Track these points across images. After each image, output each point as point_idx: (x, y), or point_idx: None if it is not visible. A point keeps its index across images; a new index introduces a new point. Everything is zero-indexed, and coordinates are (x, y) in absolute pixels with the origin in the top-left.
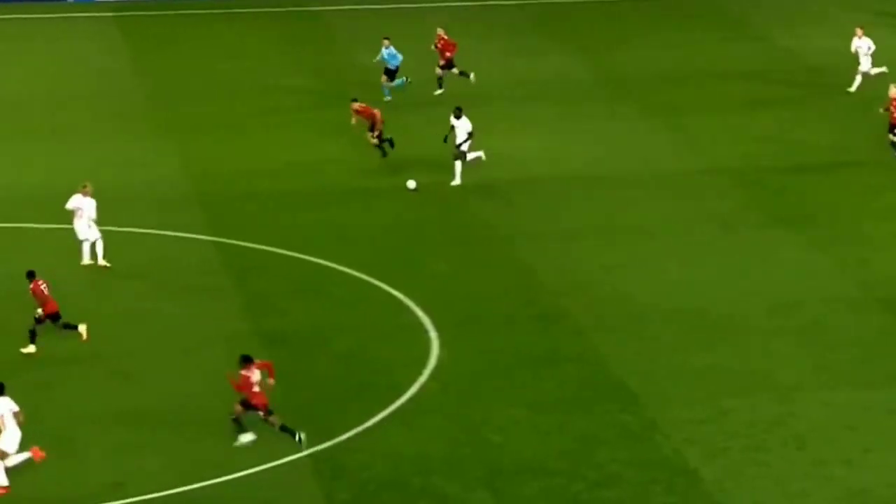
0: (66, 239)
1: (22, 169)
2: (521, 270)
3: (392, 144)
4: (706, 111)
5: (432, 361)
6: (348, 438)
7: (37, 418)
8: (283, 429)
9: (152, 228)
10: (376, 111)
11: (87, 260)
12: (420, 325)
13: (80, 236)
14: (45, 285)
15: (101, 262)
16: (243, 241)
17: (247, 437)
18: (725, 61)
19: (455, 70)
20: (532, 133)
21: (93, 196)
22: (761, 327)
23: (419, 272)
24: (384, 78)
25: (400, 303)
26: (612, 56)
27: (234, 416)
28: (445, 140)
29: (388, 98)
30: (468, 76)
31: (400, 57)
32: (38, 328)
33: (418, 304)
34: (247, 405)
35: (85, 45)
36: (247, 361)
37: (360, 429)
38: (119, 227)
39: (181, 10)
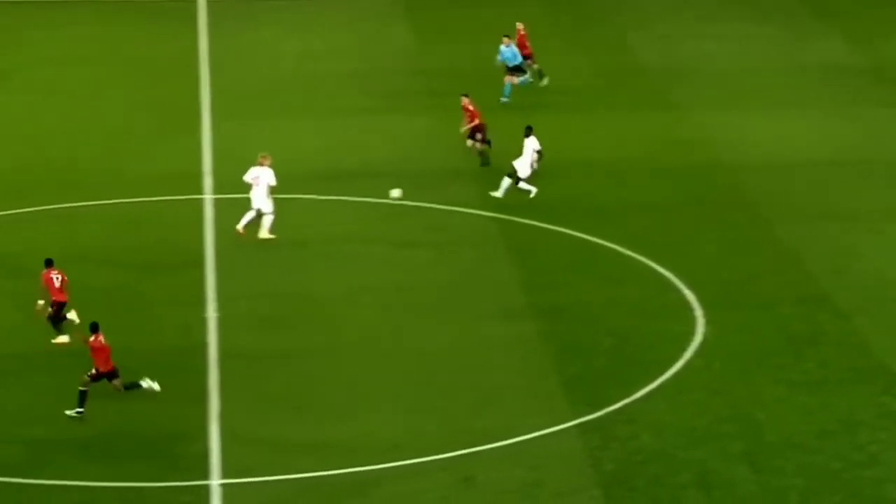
0: (342, 209)
1: (301, 143)
2: (785, 253)
3: (487, 157)
4: None
5: (697, 339)
6: (615, 410)
7: (323, 381)
8: (129, 386)
9: (433, 203)
10: (477, 117)
11: (265, 234)
12: (686, 303)
13: (253, 205)
14: (57, 275)
15: (265, 234)
16: (520, 217)
17: (78, 412)
18: None
19: (535, 65)
20: (800, 116)
21: (271, 167)
22: None
23: (687, 252)
24: (507, 77)
25: (668, 281)
26: (886, 42)
27: (81, 387)
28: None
29: (506, 100)
30: (542, 77)
31: (520, 57)
32: (60, 317)
33: (685, 282)
34: (95, 376)
35: (368, 25)
36: (94, 330)
37: (626, 401)
38: (399, 200)
39: None
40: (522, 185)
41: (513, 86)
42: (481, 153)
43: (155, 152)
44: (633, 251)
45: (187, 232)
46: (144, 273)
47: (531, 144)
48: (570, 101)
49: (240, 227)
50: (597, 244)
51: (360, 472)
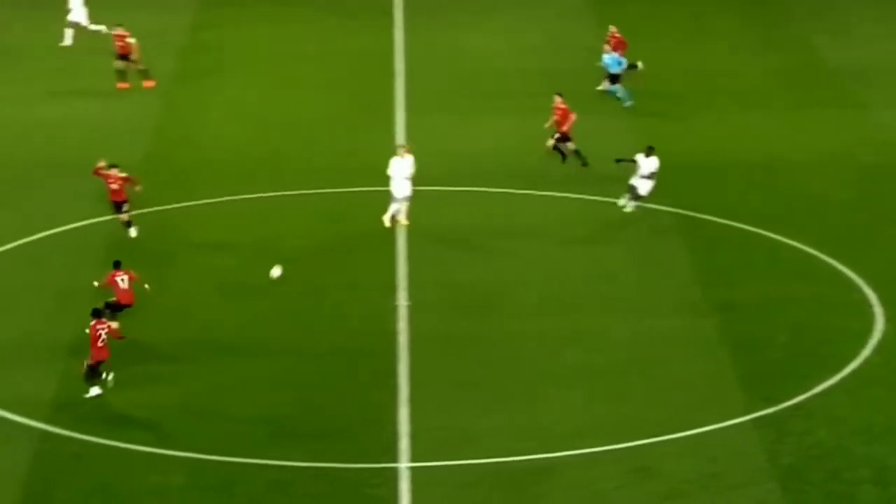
0: (529, 204)
1: (488, 139)
2: None
3: (563, 157)
4: None
5: (876, 336)
6: (792, 405)
7: (509, 369)
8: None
9: (616, 199)
10: (572, 115)
11: (402, 219)
12: (866, 300)
13: (396, 194)
14: (123, 277)
15: (403, 220)
16: (702, 213)
17: (95, 391)
18: None
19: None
20: None
21: (409, 154)
22: None
23: (870, 250)
24: (606, 83)
25: (848, 279)
26: None
27: (84, 371)
28: (618, 161)
29: (630, 103)
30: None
31: (621, 62)
32: (115, 313)
33: (866, 280)
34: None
35: (557, 23)
36: (96, 315)
37: (803, 396)
38: (572, 193)
39: None
40: (630, 204)
41: (608, 91)
42: (576, 153)
43: (351, 145)
44: (815, 249)
45: (380, 222)
46: (337, 261)
47: (650, 165)
48: (756, 99)
49: (400, 218)
50: (778, 241)
51: (540, 458)
